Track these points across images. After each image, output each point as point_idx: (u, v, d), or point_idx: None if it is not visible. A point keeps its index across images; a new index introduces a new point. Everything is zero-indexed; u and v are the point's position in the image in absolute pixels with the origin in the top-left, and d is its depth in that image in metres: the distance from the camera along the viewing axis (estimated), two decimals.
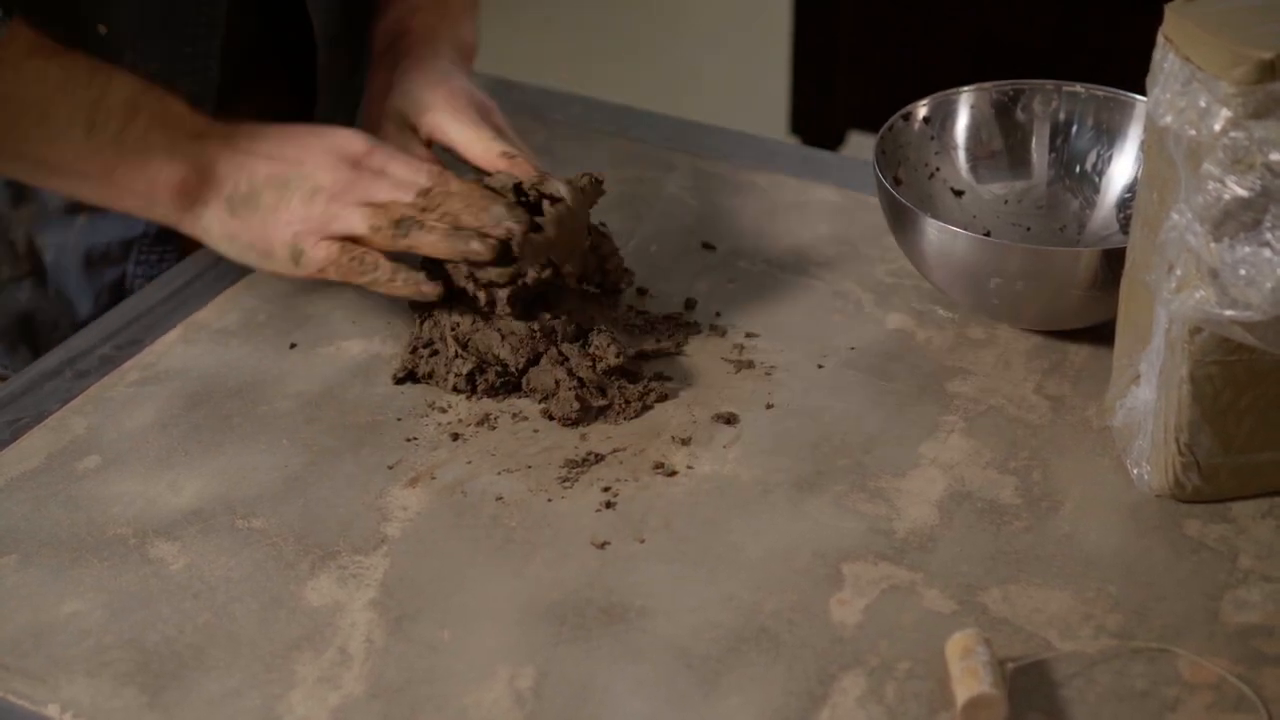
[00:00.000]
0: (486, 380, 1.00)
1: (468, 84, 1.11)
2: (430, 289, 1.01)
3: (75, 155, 1.01)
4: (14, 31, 0.98)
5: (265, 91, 1.26)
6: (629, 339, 1.05)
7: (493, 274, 1.00)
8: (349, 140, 1.03)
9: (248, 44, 1.19)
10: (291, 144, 1.03)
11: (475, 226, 1.00)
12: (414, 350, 1.03)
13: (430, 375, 1.02)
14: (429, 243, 1.00)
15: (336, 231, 1.00)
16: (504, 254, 1.00)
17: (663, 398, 1.00)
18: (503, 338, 1.01)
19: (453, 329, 1.02)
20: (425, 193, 1.01)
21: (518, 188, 1.03)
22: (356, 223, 1.00)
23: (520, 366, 1.00)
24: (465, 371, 1.00)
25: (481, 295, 1.01)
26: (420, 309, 1.04)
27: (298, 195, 1.00)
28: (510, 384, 1.01)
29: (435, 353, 1.02)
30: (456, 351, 1.01)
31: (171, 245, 1.17)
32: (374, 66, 1.15)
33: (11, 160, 1.03)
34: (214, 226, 1.03)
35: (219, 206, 1.02)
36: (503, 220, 0.99)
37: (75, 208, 1.15)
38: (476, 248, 0.99)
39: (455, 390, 1.01)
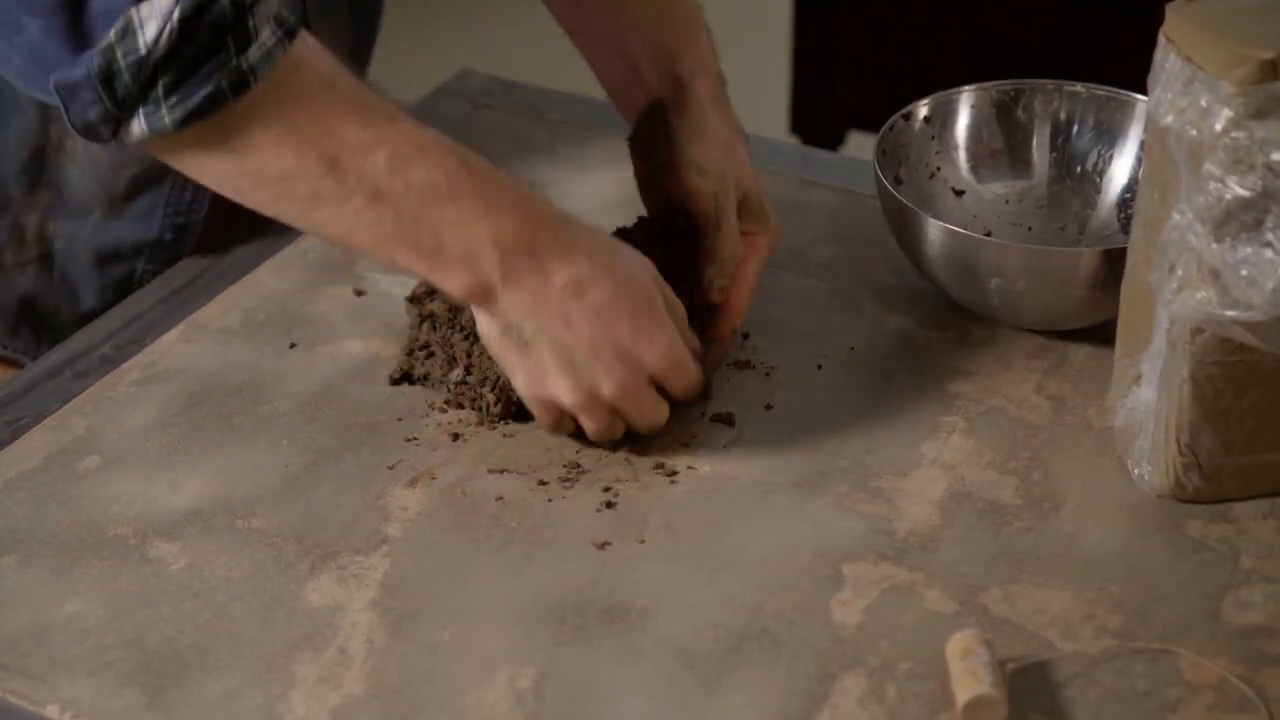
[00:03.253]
0: (499, 410, 0.99)
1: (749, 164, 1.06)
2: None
3: (349, 228, 0.89)
4: (301, 52, 0.86)
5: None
6: None
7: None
8: (653, 350, 0.92)
9: None
10: (603, 316, 0.91)
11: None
12: (411, 352, 1.03)
13: (426, 378, 1.02)
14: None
15: (571, 413, 0.95)
16: None
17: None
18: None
19: (450, 346, 1.01)
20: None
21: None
22: (590, 426, 0.95)
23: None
24: (489, 400, 0.99)
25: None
26: (417, 310, 1.04)
27: (569, 382, 0.92)
28: (508, 407, 1.00)
29: (431, 354, 1.02)
30: (463, 373, 1.00)
31: (183, 251, 1.16)
32: (635, 87, 1.06)
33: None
34: (489, 331, 0.93)
35: (498, 322, 0.92)
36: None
37: (92, 203, 1.15)
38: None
39: (457, 406, 1.00)
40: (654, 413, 0.95)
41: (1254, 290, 0.82)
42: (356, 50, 1.22)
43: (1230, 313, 0.83)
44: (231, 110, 0.84)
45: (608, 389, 0.92)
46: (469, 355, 1.00)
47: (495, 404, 0.98)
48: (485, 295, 0.90)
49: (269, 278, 1.12)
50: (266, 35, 0.84)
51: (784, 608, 0.86)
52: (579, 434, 0.97)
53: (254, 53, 0.83)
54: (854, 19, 2.41)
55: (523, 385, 0.94)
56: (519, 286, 0.90)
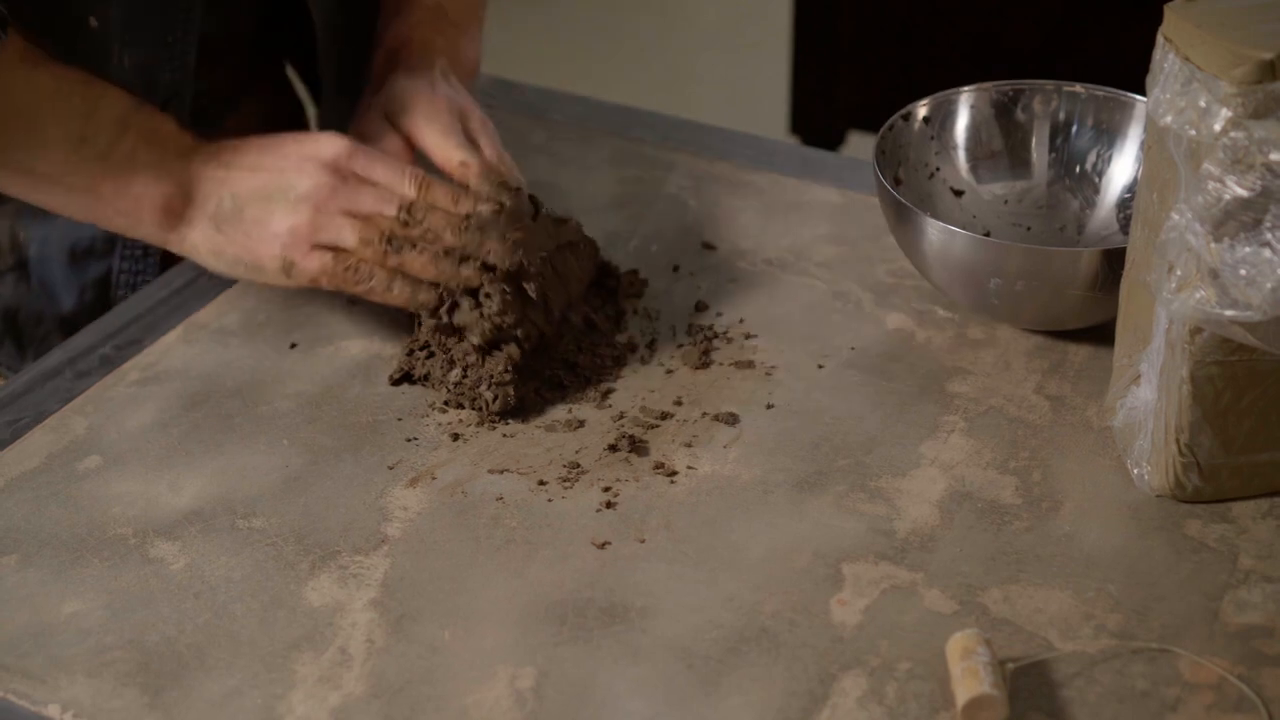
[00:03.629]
0: (484, 402, 1.00)
1: (453, 92, 1.10)
2: (426, 298, 1.00)
3: (63, 168, 1.00)
4: (9, 39, 0.97)
5: (266, 90, 1.26)
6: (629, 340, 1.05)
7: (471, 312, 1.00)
8: (329, 144, 1.02)
9: (245, 39, 1.20)
10: (271, 154, 1.02)
11: (459, 246, 1.00)
12: (411, 353, 1.03)
13: (426, 377, 1.02)
14: (419, 264, 1.00)
15: (324, 241, 1.00)
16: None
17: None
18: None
19: (448, 349, 1.01)
20: (409, 206, 1.00)
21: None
22: (345, 235, 1.00)
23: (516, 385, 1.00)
24: (488, 399, 1.00)
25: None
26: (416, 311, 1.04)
27: (281, 206, 1.00)
28: (508, 406, 1.00)
29: (432, 354, 1.02)
30: (460, 375, 1.00)
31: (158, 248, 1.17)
32: (372, 81, 1.15)
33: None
34: (201, 244, 1.02)
35: (204, 224, 1.02)
36: (487, 238, 1.00)
37: None
38: (467, 274, 1.00)
39: (456, 406, 1.00)
40: (377, 199, 1.00)
41: (1253, 290, 0.82)
42: (358, 30, 1.23)
43: (1229, 313, 0.83)
44: None
45: (305, 184, 0.99)
46: (466, 355, 1.00)
47: (494, 401, 0.98)
48: (177, 219, 1.02)
49: None
50: None
51: (784, 608, 0.86)
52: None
53: None
54: (854, 19, 2.42)
55: (267, 253, 1.00)
56: (198, 192, 1.02)
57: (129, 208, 1.01)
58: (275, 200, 1.00)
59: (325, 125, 1.26)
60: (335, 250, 1.00)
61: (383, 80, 1.12)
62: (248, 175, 1.01)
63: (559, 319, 1.03)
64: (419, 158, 1.08)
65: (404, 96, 1.09)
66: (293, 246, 1.00)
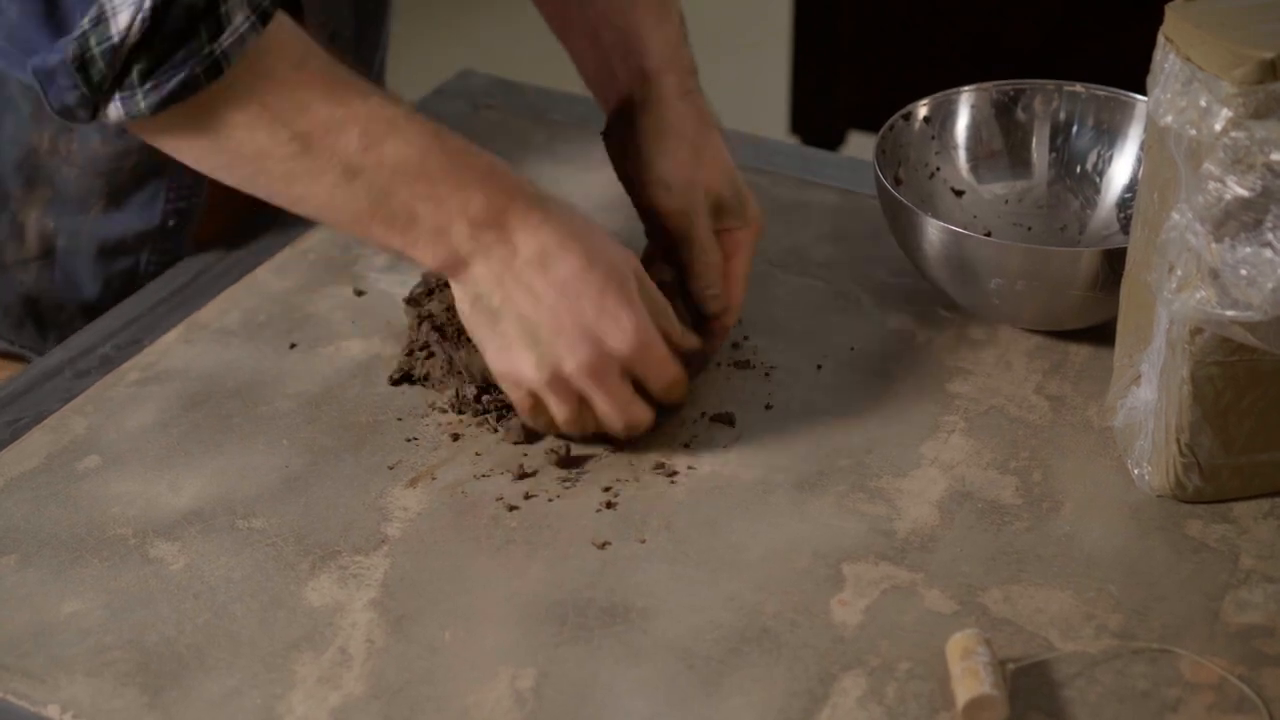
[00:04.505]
0: (481, 404, 0.99)
1: (726, 156, 1.04)
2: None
3: (329, 208, 0.91)
4: (277, 34, 0.87)
5: None
6: None
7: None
8: (618, 327, 0.91)
9: None
10: (568, 289, 0.91)
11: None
12: (411, 353, 1.03)
13: (426, 378, 1.02)
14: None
15: (539, 395, 0.94)
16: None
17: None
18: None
19: (447, 354, 1.01)
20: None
21: None
22: (560, 412, 0.94)
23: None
24: (468, 396, 0.99)
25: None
26: (415, 311, 1.04)
27: (532, 357, 0.91)
28: (503, 405, 1.00)
29: (431, 355, 1.02)
30: (464, 377, 1.00)
31: (186, 239, 1.16)
32: (608, 82, 1.05)
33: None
34: (463, 301, 0.93)
35: (468, 291, 0.92)
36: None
37: (90, 198, 1.15)
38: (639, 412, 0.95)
39: (457, 410, 1.00)
40: (626, 405, 0.94)
41: (1253, 290, 0.82)
42: (362, 34, 1.22)
43: (1230, 313, 0.83)
44: (206, 93, 0.85)
45: (570, 365, 0.91)
46: (467, 367, 0.99)
47: (508, 433, 0.98)
48: (457, 267, 0.91)
49: (269, 278, 1.12)
50: (239, 21, 0.85)
51: (784, 608, 0.86)
52: (564, 435, 0.96)
53: (226, 38, 0.84)
54: (854, 19, 2.41)
55: (492, 360, 0.94)
56: (488, 257, 0.90)
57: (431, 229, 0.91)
58: (530, 349, 0.92)
59: None
60: (539, 401, 0.94)
61: (632, 108, 1.03)
62: (528, 300, 0.91)
63: None
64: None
65: (680, 221, 1.01)
66: (512, 385, 0.94)
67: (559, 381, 0.92)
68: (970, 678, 0.79)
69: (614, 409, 0.93)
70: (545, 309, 0.91)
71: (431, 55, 2.72)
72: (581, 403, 0.94)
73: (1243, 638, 0.84)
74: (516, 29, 2.85)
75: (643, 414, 0.95)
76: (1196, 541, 0.90)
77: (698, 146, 1.03)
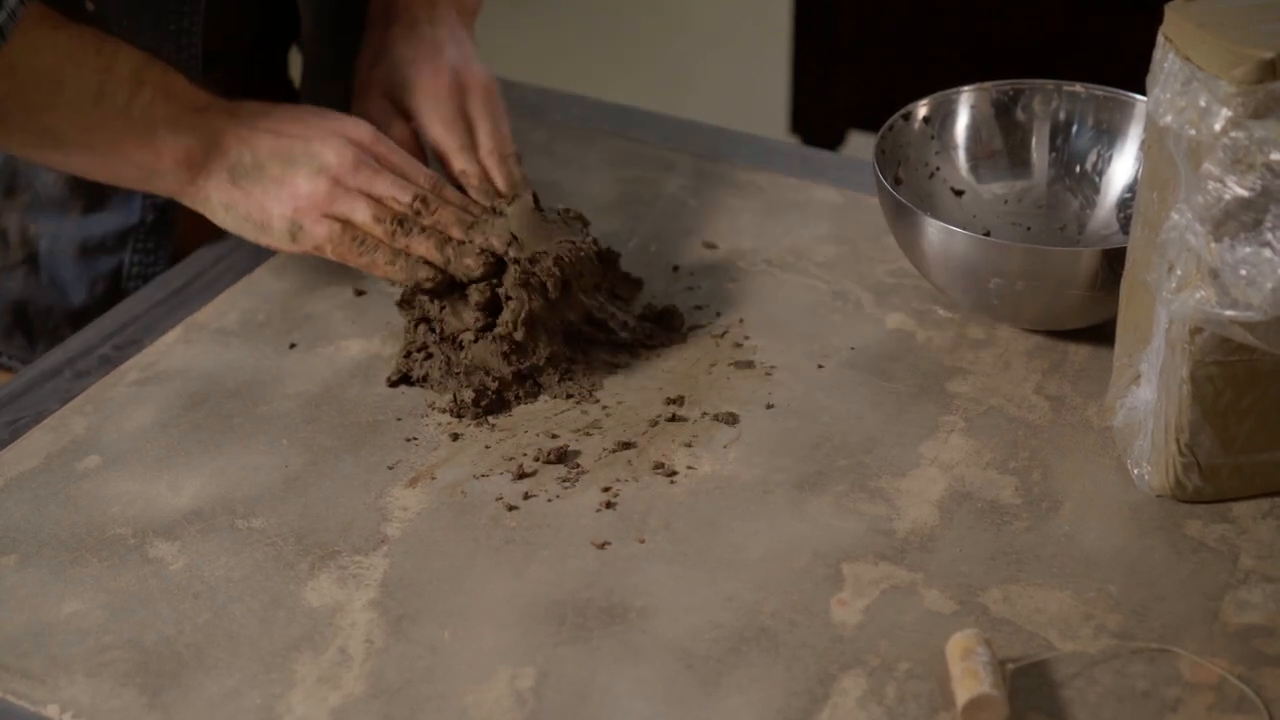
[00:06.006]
0: (480, 406, 1.00)
1: (457, 55, 1.13)
2: (426, 275, 1.02)
3: (82, 125, 1.02)
4: (29, 3, 0.99)
5: (251, 75, 1.25)
6: (628, 340, 1.05)
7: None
8: (354, 127, 1.05)
9: (233, 28, 1.19)
10: (298, 122, 1.05)
11: (462, 239, 1.03)
12: (408, 354, 1.03)
13: (425, 378, 1.02)
14: (425, 248, 1.02)
15: (337, 212, 1.02)
16: (493, 271, 1.02)
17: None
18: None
19: (444, 343, 1.02)
20: (423, 198, 1.03)
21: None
22: (359, 210, 1.02)
23: (508, 376, 1.00)
24: (466, 400, 1.00)
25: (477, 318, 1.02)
26: (411, 313, 1.04)
27: (303, 171, 1.02)
28: (501, 400, 1.00)
29: (429, 356, 1.02)
30: (461, 379, 1.01)
31: (167, 235, 1.17)
32: (370, 23, 1.17)
33: (16, 131, 1.03)
34: (214, 195, 1.04)
35: (222, 176, 1.04)
36: (490, 239, 1.02)
37: (69, 200, 1.15)
38: (469, 263, 1.02)
39: (456, 414, 1.00)
40: (395, 185, 1.02)
41: (1253, 290, 0.82)
42: (271, 36, 1.26)
43: (1229, 312, 0.83)
44: None
45: (332, 159, 1.02)
46: (467, 370, 1.00)
47: (474, 395, 0.99)
48: (196, 165, 1.03)
49: (268, 278, 1.12)
50: (13, 2, 0.96)
51: (784, 608, 0.86)
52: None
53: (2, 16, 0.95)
54: (854, 19, 2.42)
55: (280, 208, 1.02)
56: (221, 130, 1.04)
57: (148, 161, 1.03)
58: (297, 165, 1.03)
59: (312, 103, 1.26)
60: (345, 222, 1.02)
61: (380, 30, 1.14)
62: (272, 137, 1.04)
63: (561, 321, 1.03)
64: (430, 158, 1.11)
65: (406, 72, 1.11)
66: (306, 211, 1.02)
67: (334, 183, 1.02)
68: (970, 678, 0.79)
69: (396, 188, 1.02)
70: (286, 135, 1.03)
71: None
72: (369, 199, 1.02)
73: (1242, 638, 0.84)
74: (516, 29, 2.85)
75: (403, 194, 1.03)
76: (1196, 541, 0.90)
77: (435, 64, 1.12)
